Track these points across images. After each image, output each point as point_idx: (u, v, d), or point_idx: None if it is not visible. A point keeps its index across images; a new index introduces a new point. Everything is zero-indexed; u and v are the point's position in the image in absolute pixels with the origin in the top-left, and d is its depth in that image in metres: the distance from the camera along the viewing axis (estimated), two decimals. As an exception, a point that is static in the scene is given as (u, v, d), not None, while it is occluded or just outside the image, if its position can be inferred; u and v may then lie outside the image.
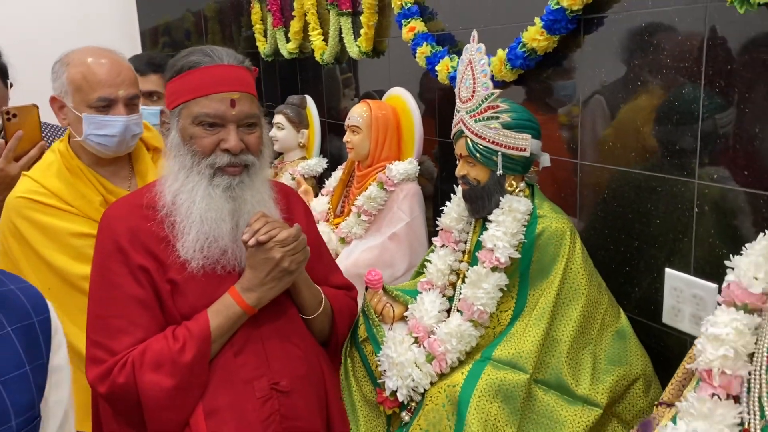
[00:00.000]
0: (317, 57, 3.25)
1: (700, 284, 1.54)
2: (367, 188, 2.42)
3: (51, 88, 1.70)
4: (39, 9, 4.21)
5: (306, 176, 3.04)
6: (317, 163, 3.10)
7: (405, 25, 2.48)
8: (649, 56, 1.62)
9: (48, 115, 1.88)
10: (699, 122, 1.51)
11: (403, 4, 2.49)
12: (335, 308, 1.57)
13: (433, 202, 2.56)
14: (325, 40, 3.23)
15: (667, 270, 1.62)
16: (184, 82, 1.33)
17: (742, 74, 1.41)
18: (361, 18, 2.80)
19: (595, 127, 1.81)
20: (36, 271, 1.64)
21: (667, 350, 1.67)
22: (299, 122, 3.16)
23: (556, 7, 1.73)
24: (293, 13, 3.54)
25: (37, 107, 1.92)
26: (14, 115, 1.90)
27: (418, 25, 2.44)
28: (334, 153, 3.30)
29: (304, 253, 1.40)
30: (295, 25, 3.53)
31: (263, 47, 4.01)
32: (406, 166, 2.40)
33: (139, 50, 5.43)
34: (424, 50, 2.36)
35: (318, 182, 3.12)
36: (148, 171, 1.81)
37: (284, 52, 3.69)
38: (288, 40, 3.66)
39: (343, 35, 3.02)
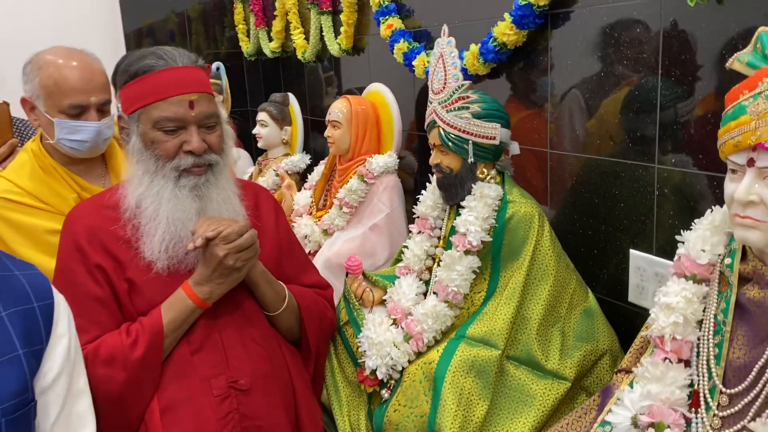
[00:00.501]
0: (299, 55, 3.32)
1: (662, 263, 1.63)
2: (348, 181, 2.49)
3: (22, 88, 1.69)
4: (21, 10, 4.22)
5: (289, 172, 3.10)
6: (300, 159, 3.16)
7: (383, 23, 2.56)
8: (611, 49, 1.71)
9: (21, 112, 1.88)
10: (657, 110, 1.60)
11: (381, 3, 2.57)
12: (302, 305, 1.54)
13: (414, 195, 2.62)
14: (307, 38, 3.30)
15: (632, 251, 1.71)
16: (140, 87, 1.33)
17: (695, 64, 1.50)
18: (341, 16, 2.88)
19: (562, 117, 1.89)
20: None
21: (633, 327, 1.76)
22: (282, 119, 3.22)
23: (524, 2, 1.82)
24: (275, 13, 3.60)
25: (8, 104, 1.91)
26: None
27: (395, 23, 2.52)
28: (317, 149, 3.37)
29: (252, 251, 1.38)
30: (277, 25, 3.60)
31: (246, 47, 4.08)
32: (385, 159, 2.48)
33: (123, 52, 5.45)
34: (402, 46, 2.44)
35: (301, 178, 3.18)
36: (122, 168, 1.78)
37: (267, 51, 3.75)
38: (270, 40, 3.73)
39: (323, 33, 3.09)
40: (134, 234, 1.36)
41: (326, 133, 2.56)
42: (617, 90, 1.71)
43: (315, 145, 3.41)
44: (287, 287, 1.53)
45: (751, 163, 1.04)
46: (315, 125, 3.42)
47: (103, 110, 1.69)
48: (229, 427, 1.36)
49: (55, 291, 1.11)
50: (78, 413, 1.14)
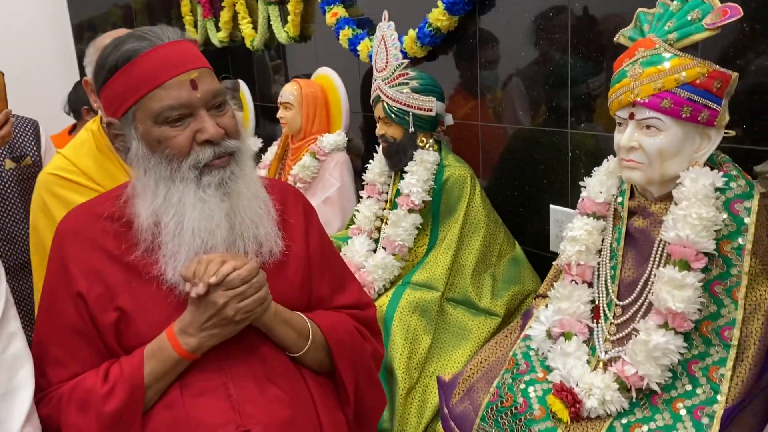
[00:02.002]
0: (248, 44, 3.48)
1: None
2: (301, 159, 2.69)
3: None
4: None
5: (243, 154, 3.27)
6: (252, 143, 3.34)
7: (328, 11, 2.76)
8: (530, 31, 1.96)
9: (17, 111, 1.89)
10: (569, 84, 1.87)
11: (326, -8, 2.77)
12: (332, 342, 1.23)
13: (361, 176, 2.85)
14: (255, 28, 3.47)
15: (551, 206, 1.98)
16: (126, 79, 1.09)
17: (600, 43, 1.77)
18: (287, 6, 3.06)
19: (490, 92, 2.15)
20: None
21: (554, 273, 2.03)
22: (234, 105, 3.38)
23: (454, -9, 2.06)
24: (222, 4, 3.74)
25: (3, 74, 1.84)
26: None
27: (339, 11, 2.73)
28: (267, 134, 3.54)
29: (257, 302, 1.11)
30: (224, 15, 3.74)
31: (194, 37, 4.20)
32: (335, 138, 2.69)
33: (71, 45, 5.45)
34: (346, 33, 2.65)
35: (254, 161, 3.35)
36: None
37: (215, 41, 3.89)
38: (218, 30, 3.86)
39: (271, 23, 3.27)
40: (149, 257, 1.12)
41: (279, 114, 2.75)
42: (536, 67, 1.97)
43: (264, 131, 3.58)
44: (312, 320, 1.23)
45: (631, 116, 1.31)
46: (264, 111, 3.59)
47: None
48: None
49: None
50: (13, 354, 1.09)
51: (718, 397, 1.22)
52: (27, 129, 2.11)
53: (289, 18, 3.09)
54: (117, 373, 1.11)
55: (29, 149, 2.08)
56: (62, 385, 1.13)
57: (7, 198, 2.03)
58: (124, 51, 1.09)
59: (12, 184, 2.03)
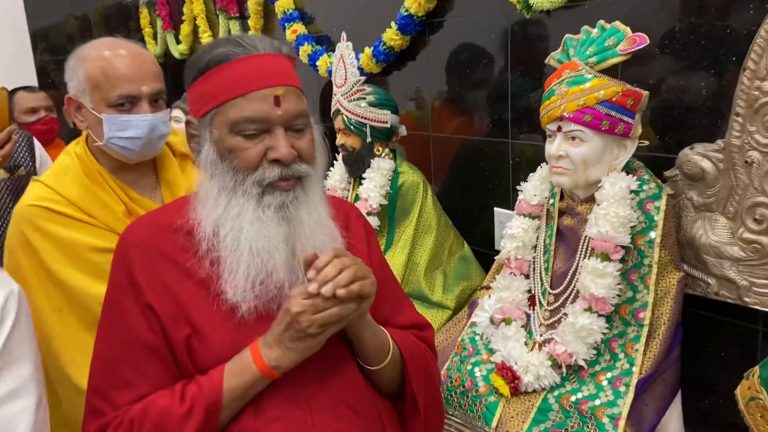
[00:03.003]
0: (209, 57, 3.60)
1: (518, 217, 2.10)
2: (262, 167, 2.83)
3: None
4: None
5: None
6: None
7: (288, 28, 2.92)
8: (475, 50, 2.17)
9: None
10: (509, 99, 2.07)
11: (286, 10, 2.93)
12: (406, 356, 1.21)
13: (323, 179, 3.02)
14: (216, 41, 3.59)
15: (496, 209, 2.18)
16: (214, 82, 1.07)
17: (535, 62, 1.98)
18: (248, 21, 3.20)
19: (441, 106, 2.34)
20: (45, 290, 1.43)
21: (500, 270, 2.23)
22: (196, 116, 3.49)
23: (405, 13, 2.25)
24: (183, 18, 3.85)
25: (6, 90, 1.73)
26: None
27: (299, 28, 2.89)
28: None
29: (333, 317, 1.03)
30: (185, 29, 3.85)
31: (153, 49, 4.29)
32: (295, 147, 2.83)
33: (29, 53, 5.42)
34: (306, 49, 2.81)
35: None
36: (177, 180, 1.60)
37: (175, 53, 4.00)
38: (179, 42, 3.97)
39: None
40: (213, 270, 1.08)
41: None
42: (480, 83, 2.17)
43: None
44: (390, 334, 1.20)
45: (559, 129, 1.51)
46: (226, 121, 3.70)
47: (156, 102, 1.48)
48: None
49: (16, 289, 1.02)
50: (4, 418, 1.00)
51: (633, 369, 1.42)
52: (20, 140, 2.12)
53: (250, 33, 3.23)
54: (195, 392, 1.05)
55: (23, 160, 2.11)
56: (130, 408, 1.06)
57: (1, 208, 2.04)
58: (217, 54, 1.07)
59: (5, 195, 2.05)
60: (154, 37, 4.30)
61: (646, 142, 1.58)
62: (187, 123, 1.12)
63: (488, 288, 1.73)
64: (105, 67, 1.43)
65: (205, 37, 3.64)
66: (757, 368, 1.17)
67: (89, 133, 1.50)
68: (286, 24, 2.94)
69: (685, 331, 1.55)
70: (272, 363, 1.04)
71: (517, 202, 1.70)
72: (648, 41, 1.44)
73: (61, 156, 1.54)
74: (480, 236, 2.29)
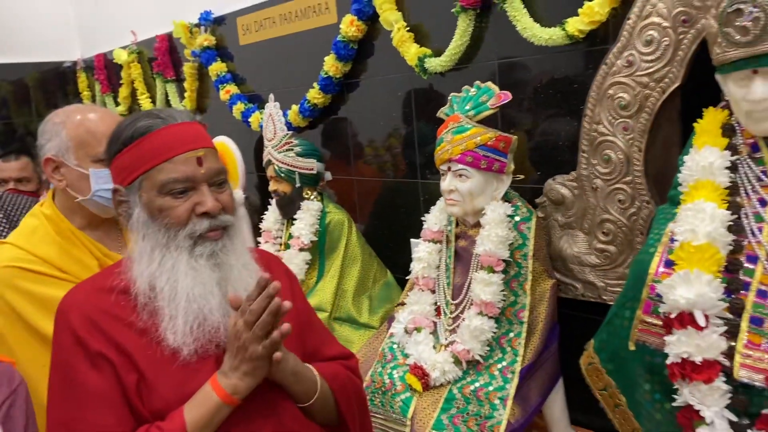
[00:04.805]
0: (148, 116, 3.86)
1: (430, 245, 2.44)
2: (204, 215, 3.09)
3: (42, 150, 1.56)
4: None
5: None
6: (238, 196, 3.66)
7: (222, 89, 3.23)
8: (386, 105, 2.53)
9: None
10: (416, 146, 2.44)
11: (219, 73, 3.24)
12: (335, 388, 1.30)
13: (257, 230, 3.29)
14: (153, 102, 3.86)
15: (412, 240, 2.52)
16: (139, 151, 1.17)
17: (433, 113, 2.35)
18: (184, 84, 3.50)
19: (362, 153, 2.69)
20: (29, 348, 1.45)
21: (419, 293, 2.55)
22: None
23: (325, 75, 2.61)
24: (120, 81, 4.11)
25: None
26: None
27: (232, 89, 3.21)
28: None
29: (267, 324, 1.12)
30: (123, 92, 4.11)
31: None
32: (234, 194, 3.12)
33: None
34: (239, 107, 3.13)
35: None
36: None
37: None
38: (117, 104, 4.22)
39: (169, 98, 3.68)
40: (152, 320, 1.15)
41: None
42: (393, 132, 2.54)
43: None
44: (316, 369, 1.28)
45: (449, 168, 1.86)
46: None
47: None
48: None
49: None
50: None
51: (518, 359, 1.76)
52: None
53: (186, 95, 3.53)
54: None
55: None
56: None
57: None
58: (139, 126, 1.17)
59: None
60: (93, 100, 4.52)
61: (521, 176, 1.96)
62: (115, 191, 1.21)
63: (403, 304, 2.05)
64: (89, 126, 1.52)
65: (143, 99, 3.90)
66: (592, 341, 1.52)
67: (65, 191, 1.55)
68: (219, 85, 3.25)
69: (564, 330, 1.90)
70: (230, 389, 1.12)
71: (423, 230, 2.04)
72: (511, 97, 1.82)
73: (26, 219, 1.60)
74: (402, 265, 2.60)
